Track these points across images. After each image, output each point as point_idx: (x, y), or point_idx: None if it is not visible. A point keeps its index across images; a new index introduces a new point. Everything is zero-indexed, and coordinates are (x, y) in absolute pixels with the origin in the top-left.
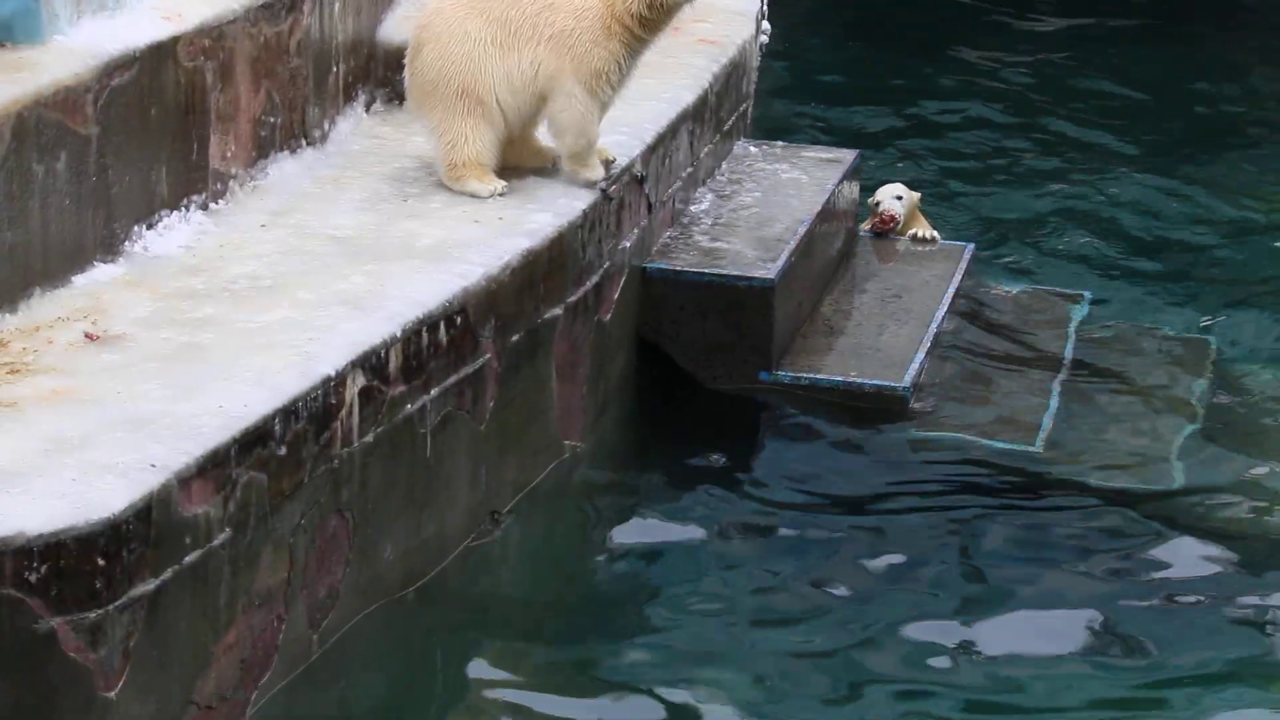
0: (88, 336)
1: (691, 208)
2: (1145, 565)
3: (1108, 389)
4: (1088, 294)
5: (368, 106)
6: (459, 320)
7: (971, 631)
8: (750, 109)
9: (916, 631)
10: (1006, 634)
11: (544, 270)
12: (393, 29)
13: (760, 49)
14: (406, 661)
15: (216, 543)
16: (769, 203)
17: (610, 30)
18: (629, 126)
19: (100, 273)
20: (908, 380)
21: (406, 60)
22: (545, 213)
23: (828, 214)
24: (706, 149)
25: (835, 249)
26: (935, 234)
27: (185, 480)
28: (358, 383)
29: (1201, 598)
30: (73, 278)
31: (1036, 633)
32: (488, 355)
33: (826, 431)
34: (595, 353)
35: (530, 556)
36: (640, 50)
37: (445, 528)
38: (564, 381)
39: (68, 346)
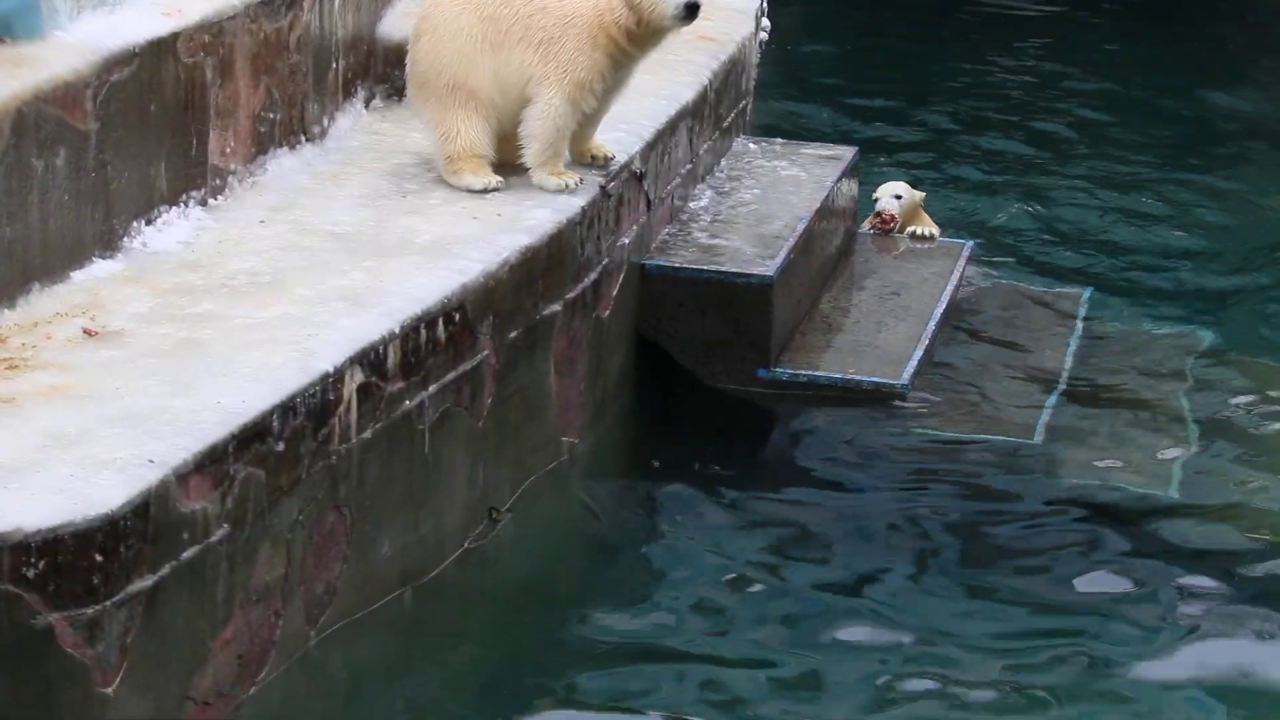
0: (86, 332)
1: (690, 204)
2: (1141, 564)
3: (1106, 386)
4: (1086, 293)
5: (367, 103)
6: (457, 317)
7: (968, 630)
8: (749, 106)
9: (913, 628)
10: (1004, 632)
11: (543, 267)
12: (392, 25)
13: (760, 46)
14: (403, 658)
15: (214, 539)
16: (768, 200)
17: (596, 41)
18: (628, 123)
19: (99, 268)
20: (906, 377)
21: (408, 53)
22: (544, 209)
23: (827, 211)
24: (706, 146)
25: (834, 246)
26: (934, 231)
27: (183, 476)
28: (356, 379)
29: (1196, 597)
30: (72, 273)
31: (1033, 632)
32: (486, 352)
33: (825, 428)
34: (594, 349)
35: (528, 553)
36: (627, 64)
37: (443, 524)
38: (562, 378)
39: (66, 342)
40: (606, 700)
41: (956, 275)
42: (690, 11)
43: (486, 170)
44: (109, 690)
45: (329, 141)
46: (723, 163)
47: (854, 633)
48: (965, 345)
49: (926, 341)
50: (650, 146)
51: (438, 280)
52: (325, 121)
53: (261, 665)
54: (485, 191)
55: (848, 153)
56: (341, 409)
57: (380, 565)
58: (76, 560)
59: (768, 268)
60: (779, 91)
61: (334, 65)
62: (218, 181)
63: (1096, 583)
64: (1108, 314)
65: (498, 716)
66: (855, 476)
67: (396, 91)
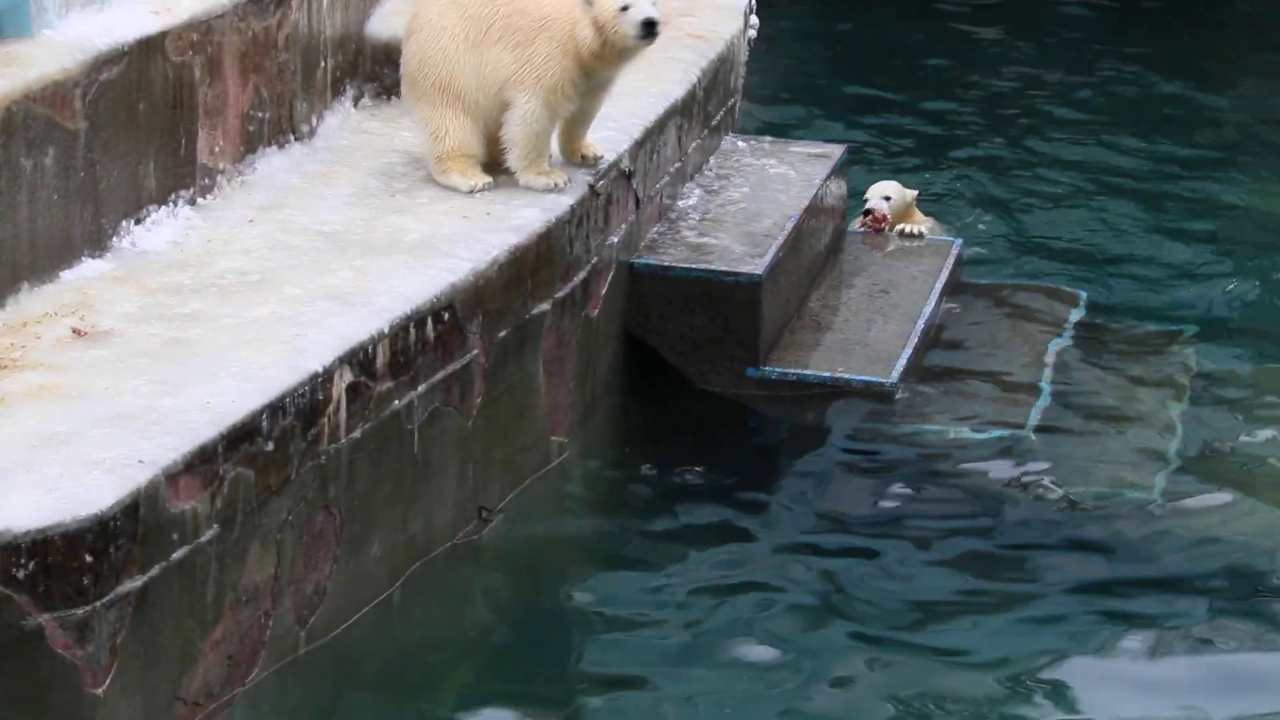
0: (75, 332)
1: (679, 203)
2: (1131, 563)
3: (1096, 382)
4: (1083, 293)
5: (356, 101)
6: (446, 316)
7: (959, 627)
8: (738, 104)
9: (905, 626)
10: (995, 630)
11: (531, 266)
12: (380, 24)
13: (748, 44)
14: (393, 657)
15: (204, 539)
16: (757, 198)
17: (566, 48)
18: (616, 121)
19: (88, 268)
20: (895, 376)
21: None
22: (533, 208)
23: (815, 209)
24: (694, 144)
25: (823, 244)
26: (923, 229)
27: (173, 476)
28: (345, 378)
29: (1185, 595)
30: (60, 273)
31: (1025, 630)
32: (475, 351)
33: (814, 427)
34: (583, 348)
35: (517, 551)
36: (600, 75)
37: (433, 523)
38: (552, 377)
39: (55, 342)
40: (595, 700)
41: (946, 273)
42: (649, 29)
43: (475, 170)
44: (99, 691)
45: (318, 140)
46: (711, 161)
47: (845, 631)
48: (955, 344)
49: (916, 340)
50: (639, 145)
51: (427, 279)
52: (314, 120)
53: (251, 665)
54: (473, 192)
55: (836, 151)
56: (331, 408)
57: (370, 565)
58: (66, 561)
59: (757, 266)
60: (768, 89)
61: (322, 64)
62: (206, 181)
63: (1086, 581)
64: (1098, 311)
65: (487, 716)
66: (845, 475)
67: (385, 90)
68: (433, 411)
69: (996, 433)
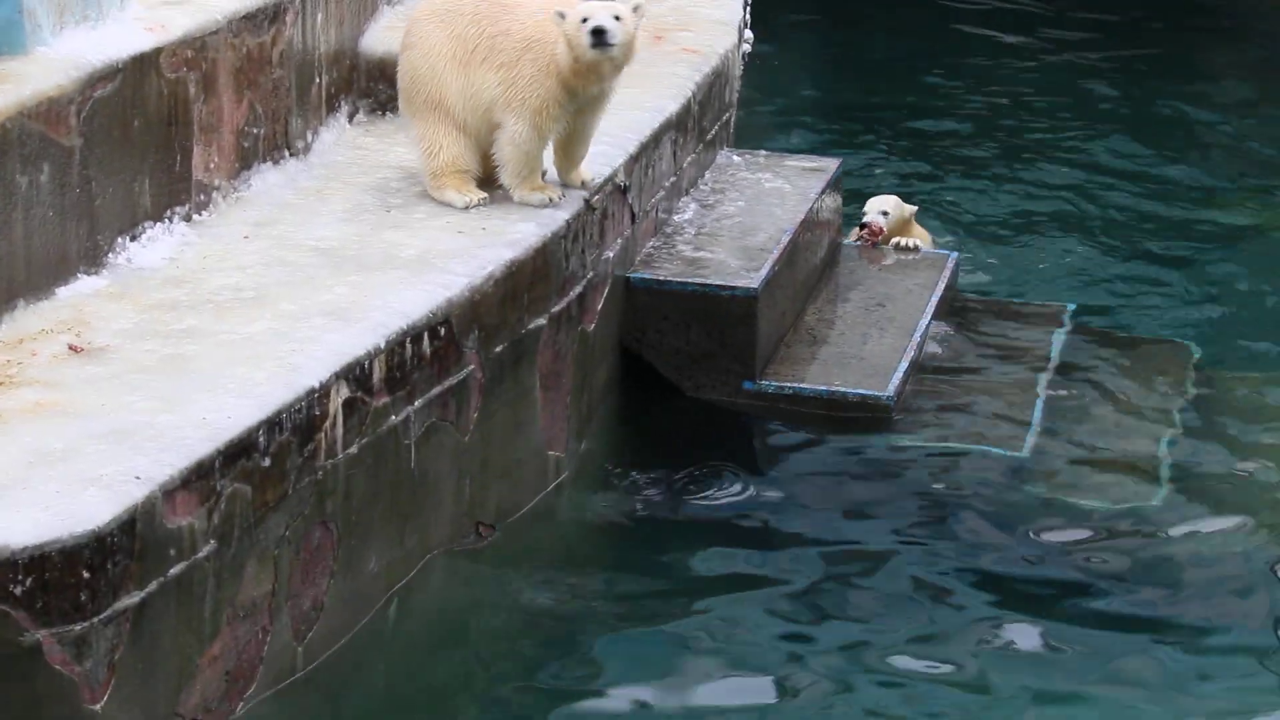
0: (71, 348)
1: (675, 217)
2: (1130, 574)
3: (1092, 397)
4: (1071, 306)
5: (350, 117)
6: (443, 331)
7: (957, 640)
8: (733, 118)
9: (899, 640)
10: (990, 644)
11: (528, 281)
12: (375, 40)
13: (743, 58)
14: (391, 673)
15: (201, 555)
16: (752, 212)
17: (549, 69)
18: (611, 136)
19: (84, 284)
20: (891, 389)
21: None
22: (528, 223)
23: (811, 223)
24: (689, 158)
25: (818, 258)
26: (918, 242)
27: (169, 492)
28: (342, 394)
29: (1183, 606)
30: (56, 290)
31: (1020, 643)
32: (471, 366)
33: (810, 441)
34: (579, 363)
35: (514, 567)
36: (585, 93)
37: (429, 539)
38: (548, 392)
39: (51, 359)
40: (589, 710)
41: (941, 286)
42: (598, 37)
43: (470, 185)
44: (97, 707)
45: (313, 156)
46: (707, 175)
47: (841, 644)
48: (950, 357)
49: (912, 353)
50: (634, 159)
51: (423, 295)
52: (309, 136)
53: (249, 681)
54: (468, 208)
55: (831, 164)
56: (327, 424)
57: (367, 580)
58: (64, 577)
59: (752, 280)
60: (763, 104)
61: (317, 80)
62: (202, 197)
63: (1083, 593)
64: (1092, 322)
65: None
66: (841, 489)
67: (380, 106)
68: (429, 427)
69: (992, 448)
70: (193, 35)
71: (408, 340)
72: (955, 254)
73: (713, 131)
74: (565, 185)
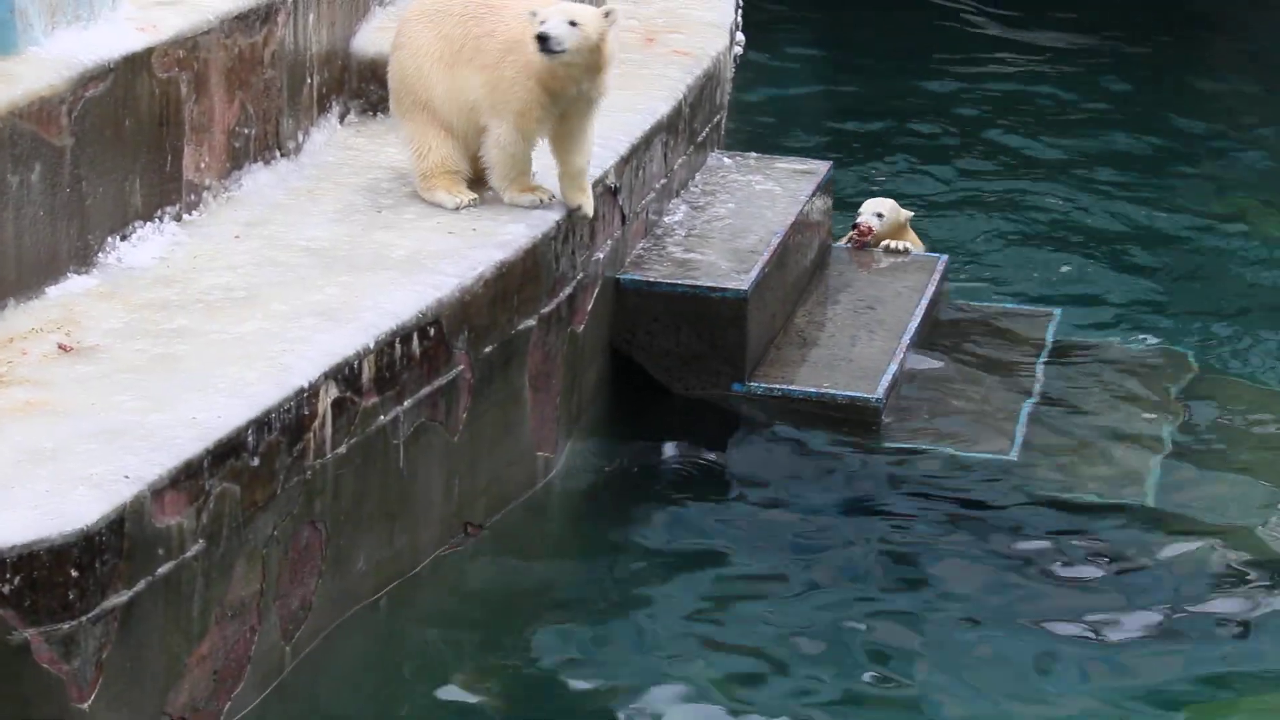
0: (61, 348)
1: (665, 219)
2: (1117, 577)
3: (1080, 402)
4: (1057, 312)
5: (341, 118)
6: (432, 331)
7: (944, 642)
8: (724, 120)
9: (888, 641)
10: (976, 645)
11: (518, 281)
12: (366, 40)
13: (734, 60)
14: (379, 673)
15: (190, 554)
16: (743, 214)
17: (529, 72)
18: (602, 137)
19: (74, 284)
20: (881, 391)
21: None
22: (519, 224)
23: (801, 225)
24: (680, 160)
25: (809, 260)
26: (908, 245)
27: (158, 491)
28: (331, 394)
29: (1173, 612)
30: (46, 289)
31: (1006, 645)
32: (461, 366)
33: (800, 443)
34: (569, 364)
35: (503, 568)
36: (566, 95)
37: (418, 539)
38: (537, 393)
39: (42, 358)
40: (580, 708)
41: (931, 289)
42: (541, 44)
43: (460, 186)
44: (85, 706)
45: (304, 157)
46: (697, 177)
47: (829, 643)
48: (940, 360)
49: (901, 356)
50: (625, 161)
51: (413, 295)
52: (300, 137)
53: (238, 680)
54: (459, 208)
55: (822, 167)
56: (316, 424)
57: (356, 580)
58: (52, 576)
59: (742, 282)
60: (754, 106)
61: (308, 80)
62: (192, 197)
63: (1071, 596)
64: (1079, 331)
65: None
66: (830, 491)
67: (371, 107)
68: (418, 427)
69: (981, 451)
70: (184, 35)
71: (397, 341)
72: (944, 257)
73: (704, 133)
74: (565, 203)
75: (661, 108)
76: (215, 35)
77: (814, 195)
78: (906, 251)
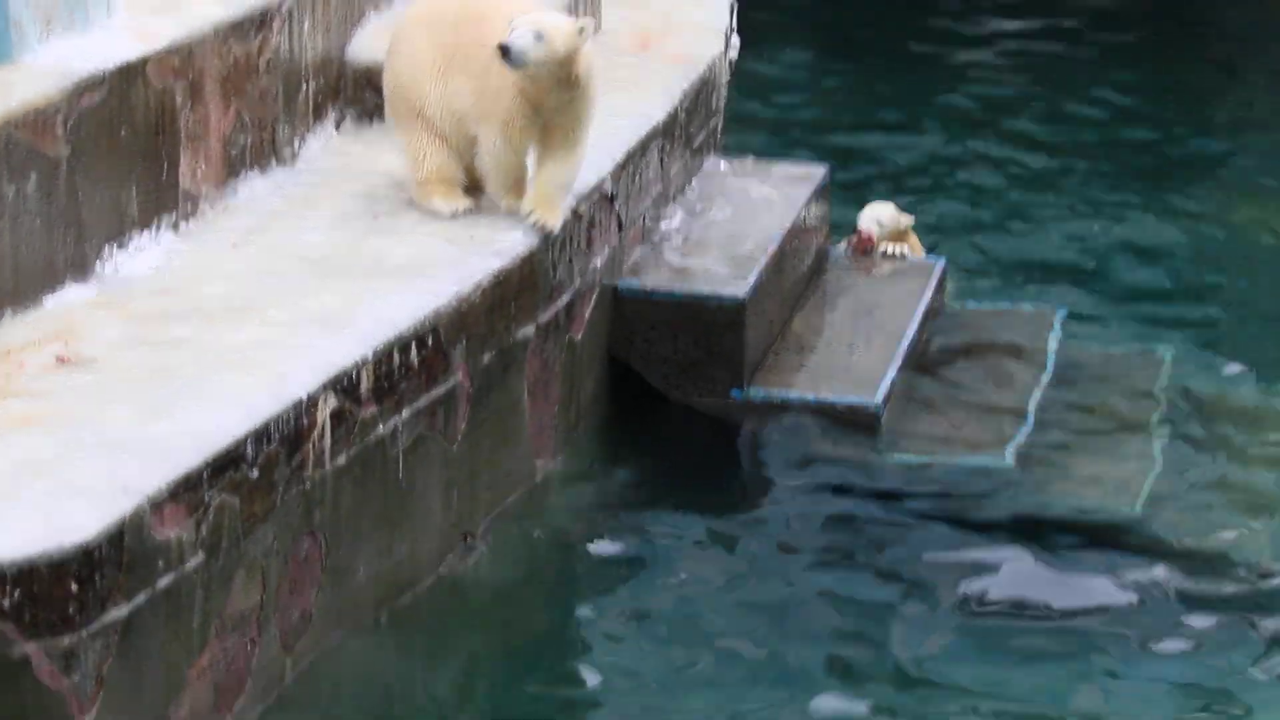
0: (59, 359)
1: (662, 225)
2: (1115, 584)
3: (1080, 406)
4: (1061, 311)
5: (338, 125)
6: (430, 340)
7: (943, 650)
8: (720, 125)
9: (885, 647)
10: (975, 652)
11: (515, 289)
12: (362, 47)
13: (730, 65)
14: (380, 685)
15: (189, 566)
16: (740, 220)
17: (511, 80)
18: (598, 144)
19: (71, 294)
20: (879, 397)
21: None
22: (516, 231)
23: (799, 230)
24: (677, 166)
25: (806, 265)
26: (906, 249)
27: (158, 503)
28: (329, 404)
29: (1170, 614)
30: (44, 300)
31: (1005, 650)
32: (459, 375)
33: (798, 449)
34: (567, 372)
35: (503, 577)
36: (546, 105)
37: (418, 549)
38: (536, 401)
39: (39, 369)
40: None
41: (929, 294)
42: (504, 54)
43: (456, 194)
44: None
45: (300, 164)
46: (694, 182)
47: (827, 654)
48: (938, 365)
49: (899, 361)
50: (621, 167)
51: (410, 303)
52: (296, 144)
53: (238, 693)
54: (454, 215)
55: (819, 171)
56: (315, 434)
57: (355, 591)
58: (52, 589)
59: (740, 288)
60: (750, 110)
61: (304, 87)
62: (189, 205)
63: (1069, 603)
64: (1081, 335)
65: None
66: (829, 498)
67: (367, 113)
68: (417, 437)
69: (980, 457)
70: (180, 44)
71: (395, 349)
72: (942, 261)
73: (700, 139)
74: (527, 212)
75: (657, 113)
76: (210, 43)
77: (811, 200)
78: (904, 257)
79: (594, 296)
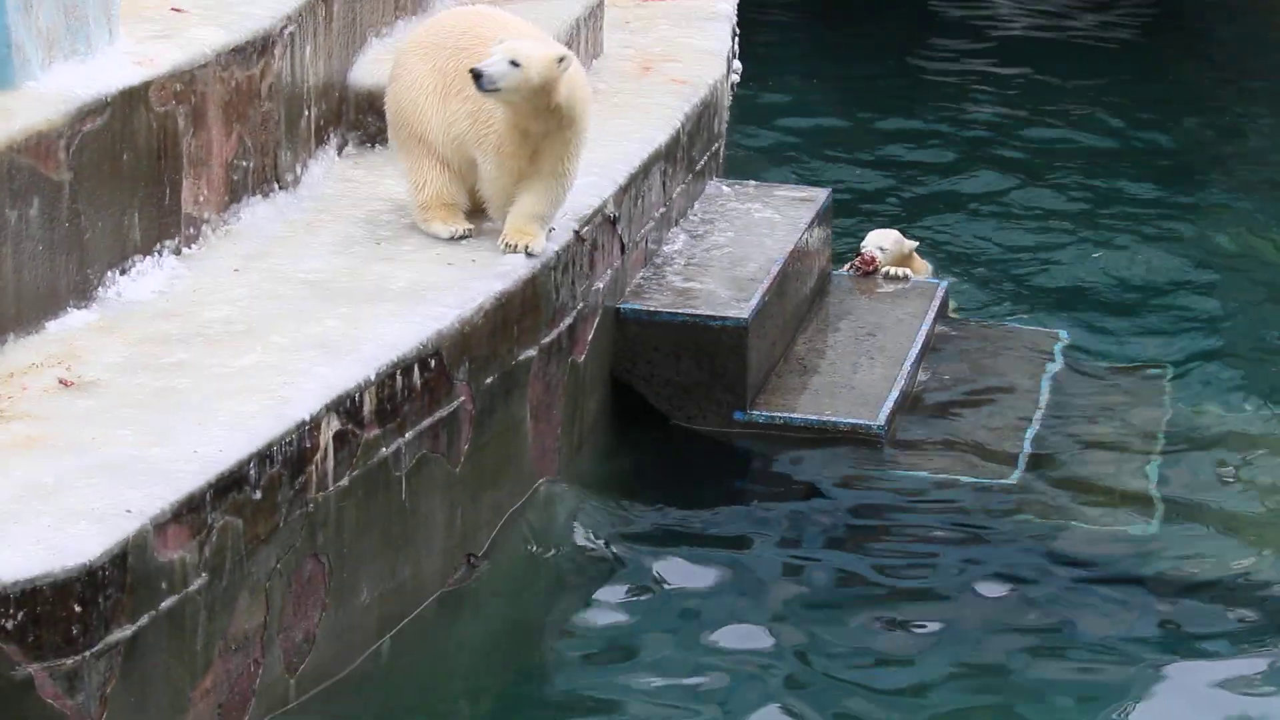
0: (62, 383)
1: (664, 248)
2: (1123, 601)
3: (1083, 425)
4: (1063, 333)
5: (339, 150)
6: (433, 363)
7: (951, 670)
8: (722, 148)
9: (894, 669)
10: (987, 671)
11: (518, 312)
12: (364, 72)
13: (731, 88)
14: (383, 705)
15: (192, 588)
16: (742, 242)
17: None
18: (601, 167)
19: (74, 318)
20: (882, 419)
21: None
22: (518, 254)
23: (801, 253)
24: (679, 189)
25: (808, 288)
26: (907, 271)
27: (161, 525)
28: (332, 426)
29: (1181, 630)
30: (46, 324)
31: (1010, 670)
32: (462, 398)
33: (801, 471)
34: (569, 394)
35: (505, 598)
36: (534, 131)
37: (421, 571)
38: (539, 423)
39: (42, 393)
40: None
41: (931, 315)
42: (475, 79)
43: (456, 218)
44: None
45: (302, 189)
46: (696, 205)
47: (832, 672)
48: (941, 385)
49: (902, 382)
50: (623, 190)
51: (413, 327)
52: (298, 169)
53: (241, 714)
54: (452, 239)
55: (821, 194)
56: (318, 457)
57: (359, 613)
58: (55, 611)
59: (742, 310)
60: (751, 134)
61: (306, 113)
62: (191, 230)
63: (1074, 621)
64: (1084, 352)
65: None
66: (833, 519)
67: (369, 138)
68: (420, 459)
69: (983, 475)
70: (181, 69)
71: (398, 372)
72: (945, 283)
73: (702, 162)
74: (505, 238)
75: (659, 136)
76: (212, 68)
77: (813, 223)
78: (906, 278)
79: (596, 319)
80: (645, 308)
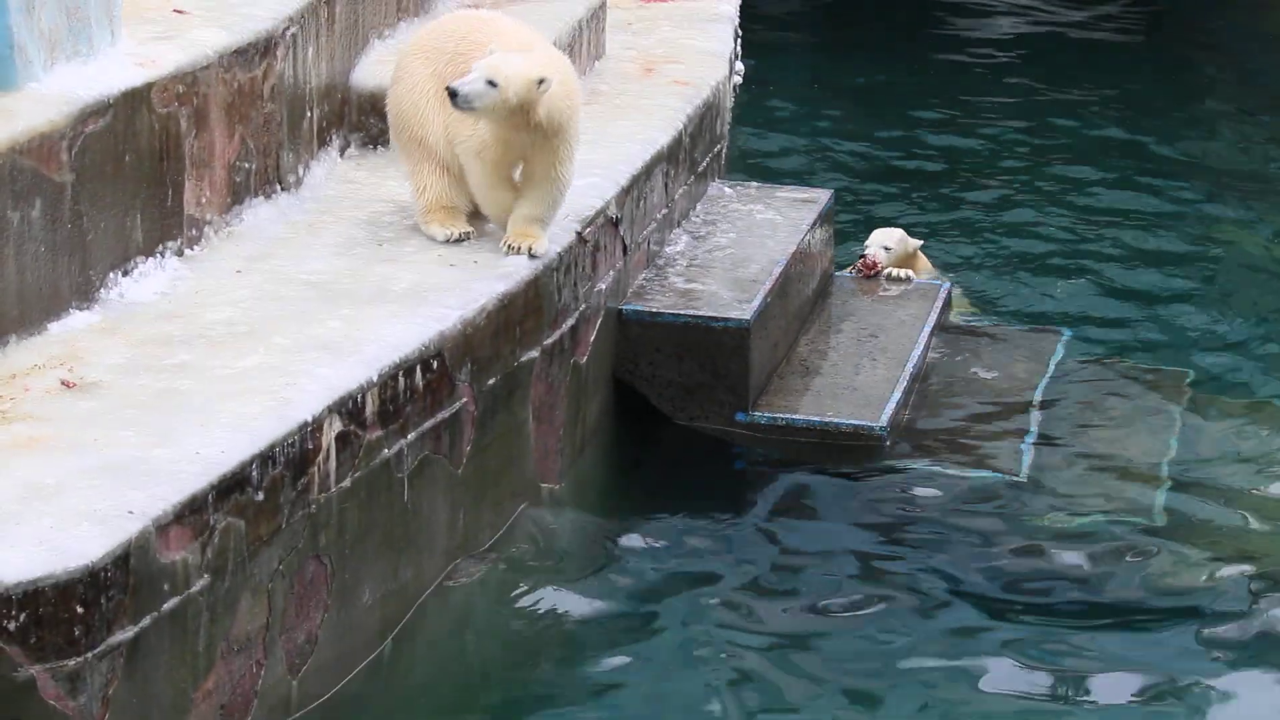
0: (64, 384)
1: (667, 249)
2: (1127, 598)
3: (1088, 423)
4: (1066, 333)
5: (342, 151)
6: (435, 364)
7: (953, 668)
8: (724, 150)
9: (897, 671)
10: (988, 668)
11: (520, 313)
12: (366, 73)
13: (734, 89)
14: (386, 706)
15: (195, 589)
16: (744, 243)
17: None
18: (603, 168)
19: (76, 320)
20: (885, 420)
21: None
22: (520, 255)
23: (803, 254)
24: (681, 190)
25: (811, 289)
26: (910, 273)
27: (163, 527)
28: (335, 427)
29: (1184, 628)
30: (48, 325)
31: (1020, 666)
32: (464, 399)
33: (804, 472)
34: (572, 395)
35: (507, 599)
36: (518, 140)
37: (423, 572)
38: (541, 424)
39: (44, 394)
40: None
41: (934, 317)
42: (451, 96)
43: (455, 221)
44: None
45: (304, 190)
46: (698, 207)
47: (838, 671)
48: (944, 386)
49: (905, 383)
50: (625, 191)
51: (415, 328)
52: (300, 170)
53: (244, 715)
54: (449, 241)
55: (823, 195)
56: (320, 458)
57: (361, 613)
58: (57, 612)
59: (744, 311)
60: (754, 135)
61: (308, 114)
62: (194, 232)
63: (1083, 616)
64: (1087, 352)
65: None
66: (835, 520)
67: (371, 140)
68: (422, 460)
69: (986, 475)
70: (184, 70)
71: (400, 374)
72: (947, 284)
73: (704, 163)
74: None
75: (662, 138)
76: (214, 70)
77: (815, 224)
78: (909, 279)
79: (599, 320)
80: (647, 309)
